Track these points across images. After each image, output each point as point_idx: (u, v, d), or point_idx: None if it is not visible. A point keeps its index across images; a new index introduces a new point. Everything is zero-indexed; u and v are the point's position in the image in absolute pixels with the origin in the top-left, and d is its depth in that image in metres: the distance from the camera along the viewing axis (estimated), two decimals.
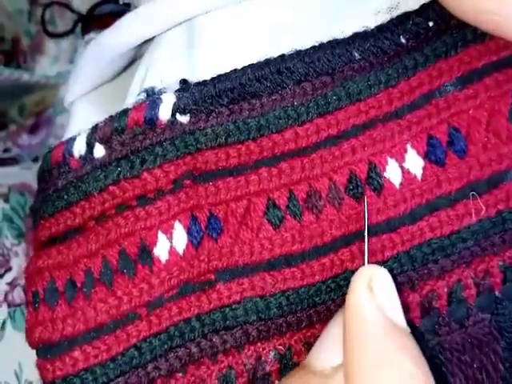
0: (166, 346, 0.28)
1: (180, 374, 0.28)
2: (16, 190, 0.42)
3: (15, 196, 0.42)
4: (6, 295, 0.40)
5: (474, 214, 0.28)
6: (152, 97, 0.30)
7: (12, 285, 0.40)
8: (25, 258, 0.41)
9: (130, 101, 0.32)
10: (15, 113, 0.47)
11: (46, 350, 0.28)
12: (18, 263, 0.41)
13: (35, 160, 0.47)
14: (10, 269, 0.40)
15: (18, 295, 0.40)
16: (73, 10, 0.41)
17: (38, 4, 0.43)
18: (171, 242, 0.28)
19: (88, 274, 0.29)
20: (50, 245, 0.30)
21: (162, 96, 0.29)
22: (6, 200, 0.42)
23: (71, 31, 0.41)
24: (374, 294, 0.24)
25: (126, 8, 0.37)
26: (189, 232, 0.29)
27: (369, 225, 0.28)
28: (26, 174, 0.44)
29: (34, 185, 0.44)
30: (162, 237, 0.29)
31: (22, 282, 0.40)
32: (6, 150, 0.48)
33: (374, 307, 0.23)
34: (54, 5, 0.41)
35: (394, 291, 0.24)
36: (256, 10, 0.30)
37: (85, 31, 0.41)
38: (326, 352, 0.25)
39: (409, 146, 0.29)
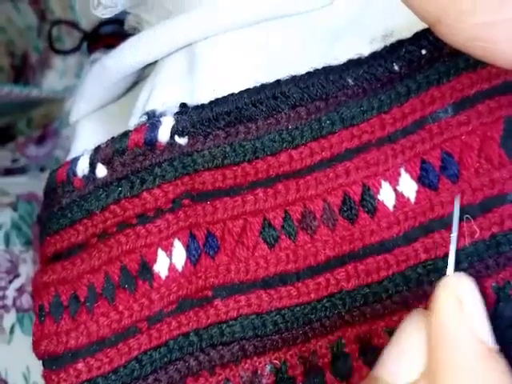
0: (165, 359, 0.29)
1: None
2: (24, 199, 0.43)
3: (23, 205, 0.43)
4: (14, 301, 0.40)
5: (467, 237, 0.28)
6: (152, 119, 0.30)
7: (20, 291, 0.41)
8: (33, 265, 0.42)
9: (132, 122, 0.32)
10: (23, 125, 0.48)
11: (51, 362, 0.29)
12: (26, 270, 0.42)
13: (42, 170, 0.49)
14: (18, 275, 0.41)
15: (26, 301, 0.41)
16: (79, 28, 0.42)
17: (47, 21, 0.43)
18: (170, 259, 0.29)
19: (91, 289, 0.29)
20: (55, 260, 0.31)
21: (161, 119, 0.30)
22: (15, 209, 0.43)
23: (77, 49, 0.42)
24: (463, 311, 0.22)
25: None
26: (187, 249, 0.29)
27: (363, 246, 0.28)
28: (34, 184, 0.45)
29: (41, 194, 0.44)
30: (161, 254, 0.29)
31: (30, 288, 0.41)
32: (14, 161, 0.48)
33: (465, 328, 0.22)
34: (61, 23, 0.42)
35: (483, 306, 0.22)
36: (253, 37, 0.30)
37: (90, 49, 0.41)
38: (399, 366, 0.23)
39: (402, 170, 0.29)
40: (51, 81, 0.46)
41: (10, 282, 0.41)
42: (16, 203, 0.43)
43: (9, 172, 0.47)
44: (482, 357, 0.21)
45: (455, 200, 0.27)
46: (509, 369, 0.22)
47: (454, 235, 0.26)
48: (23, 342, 0.40)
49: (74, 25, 0.42)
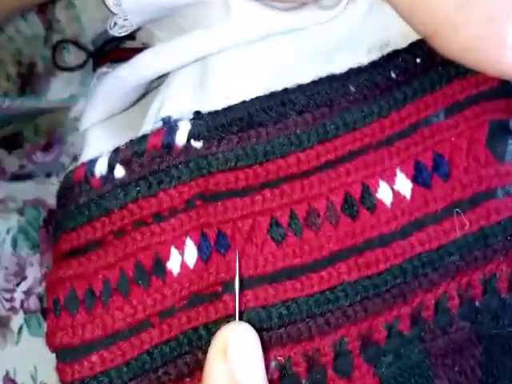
0: (175, 353, 0.29)
1: (188, 379, 0.30)
2: (30, 205, 0.44)
3: (30, 210, 0.43)
4: (22, 303, 0.41)
5: (458, 229, 0.30)
6: (169, 124, 0.31)
7: (28, 293, 0.41)
8: (39, 268, 0.42)
9: (146, 128, 0.33)
10: (30, 133, 0.48)
11: (65, 354, 0.30)
12: (33, 273, 0.42)
13: (48, 175, 0.49)
14: (25, 278, 0.41)
15: (33, 303, 0.41)
16: (81, 47, 0.43)
17: (53, 30, 0.45)
18: (183, 257, 0.30)
19: (106, 284, 0.30)
20: (71, 256, 0.31)
21: (178, 123, 0.31)
22: (22, 214, 0.43)
23: (81, 66, 0.43)
24: (227, 360, 0.23)
25: (131, 39, 0.39)
26: (199, 247, 0.30)
27: (364, 240, 0.30)
28: (40, 189, 0.46)
29: (47, 199, 0.45)
30: (174, 251, 0.30)
31: (37, 290, 0.41)
32: (21, 167, 0.49)
33: (226, 375, 0.23)
34: (67, 41, 0.43)
35: (255, 349, 0.24)
36: (262, 50, 0.32)
37: (96, 66, 0.42)
38: None
39: (398, 170, 0.31)
40: (57, 89, 0.46)
41: (18, 284, 0.41)
42: (23, 208, 0.44)
43: (16, 178, 0.47)
44: None
45: (236, 260, 0.29)
46: None
47: (236, 290, 0.27)
48: (31, 343, 0.40)
49: (76, 43, 0.43)
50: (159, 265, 0.30)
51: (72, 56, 0.46)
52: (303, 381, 0.29)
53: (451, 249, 0.30)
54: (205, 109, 0.32)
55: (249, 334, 0.24)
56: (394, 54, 0.32)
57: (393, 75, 0.32)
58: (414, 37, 0.32)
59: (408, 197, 0.31)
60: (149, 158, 0.31)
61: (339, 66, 0.32)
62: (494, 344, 0.30)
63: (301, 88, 0.31)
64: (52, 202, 0.45)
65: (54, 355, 0.31)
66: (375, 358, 0.30)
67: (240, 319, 0.29)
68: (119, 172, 0.31)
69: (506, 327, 0.30)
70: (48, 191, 0.45)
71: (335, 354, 0.29)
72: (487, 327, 0.30)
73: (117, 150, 0.31)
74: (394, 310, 0.30)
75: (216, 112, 0.31)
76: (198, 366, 0.30)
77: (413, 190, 0.31)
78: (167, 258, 0.30)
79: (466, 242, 0.30)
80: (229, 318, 0.30)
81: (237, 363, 0.23)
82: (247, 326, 0.24)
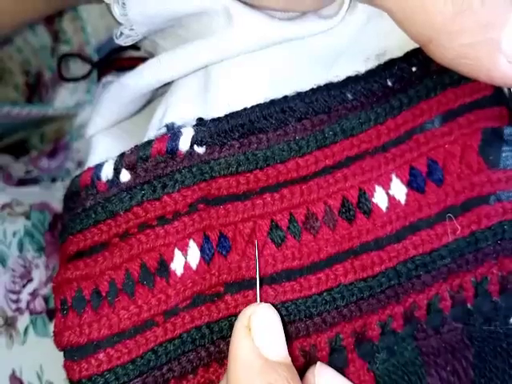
0: (179, 351, 0.30)
1: (191, 376, 0.30)
2: (36, 209, 0.45)
3: (35, 214, 0.44)
4: (28, 304, 0.41)
5: (450, 234, 0.31)
6: (173, 130, 0.32)
7: (33, 294, 0.42)
8: (45, 270, 0.43)
9: (151, 134, 0.34)
10: (36, 140, 0.49)
11: (73, 353, 0.30)
12: (39, 275, 0.42)
13: (53, 180, 0.50)
14: (31, 280, 0.42)
15: (39, 304, 0.42)
16: (85, 59, 0.44)
17: (60, 41, 0.45)
18: (186, 258, 0.31)
19: (112, 284, 0.31)
20: (77, 258, 0.32)
21: (182, 129, 0.32)
22: (28, 217, 0.44)
23: (86, 77, 0.44)
24: (251, 334, 0.25)
25: (134, 49, 0.39)
26: (201, 249, 0.31)
27: (360, 243, 0.31)
28: (45, 194, 0.46)
29: (53, 204, 0.46)
30: (178, 253, 0.31)
31: (43, 292, 0.42)
32: (27, 172, 0.50)
33: (250, 348, 0.24)
34: (71, 55, 0.44)
35: (276, 326, 0.25)
36: (262, 58, 0.33)
37: (100, 75, 0.43)
38: None
39: (393, 176, 0.32)
40: (63, 97, 0.47)
41: (24, 286, 0.42)
42: (29, 212, 0.44)
43: (22, 183, 0.48)
44: (263, 372, 0.24)
45: (255, 245, 0.30)
46: (296, 379, 0.25)
47: (257, 268, 0.29)
48: (37, 343, 0.40)
49: (80, 56, 0.44)
50: (163, 266, 0.31)
51: (77, 66, 0.46)
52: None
53: (443, 252, 0.31)
54: (207, 116, 0.33)
55: (270, 312, 0.26)
56: (391, 63, 0.33)
57: (389, 83, 0.32)
58: (409, 46, 0.33)
59: (403, 202, 0.32)
60: (153, 162, 0.32)
61: (338, 75, 0.33)
62: (486, 346, 0.31)
63: (300, 96, 0.32)
64: (57, 206, 0.46)
65: (59, 355, 0.31)
66: (369, 354, 0.31)
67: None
68: (125, 176, 0.32)
69: (498, 329, 0.31)
70: (53, 196, 0.45)
71: (330, 349, 0.30)
72: (479, 329, 0.31)
73: (122, 155, 0.32)
74: (387, 310, 0.31)
75: (218, 119, 0.32)
76: (201, 364, 0.30)
77: (407, 195, 0.32)
78: (171, 259, 0.31)
79: (458, 245, 0.31)
80: (230, 318, 0.31)
81: (260, 338, 0.25)
82: (268, 305, 0.26)
